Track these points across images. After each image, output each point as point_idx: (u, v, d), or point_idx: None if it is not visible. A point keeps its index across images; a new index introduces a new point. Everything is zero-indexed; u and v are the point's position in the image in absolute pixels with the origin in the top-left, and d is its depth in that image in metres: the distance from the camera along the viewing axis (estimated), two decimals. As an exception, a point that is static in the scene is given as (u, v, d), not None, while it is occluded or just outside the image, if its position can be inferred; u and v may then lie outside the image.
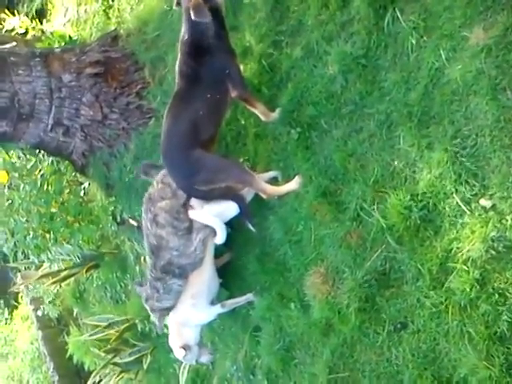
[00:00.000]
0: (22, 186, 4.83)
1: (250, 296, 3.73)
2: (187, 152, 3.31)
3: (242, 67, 3.69)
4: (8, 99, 4.47)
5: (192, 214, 3.48)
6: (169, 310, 3.69)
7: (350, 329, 3.08)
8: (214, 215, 3.46)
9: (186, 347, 3.69)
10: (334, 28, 3.34)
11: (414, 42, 2.93)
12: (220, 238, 3.52)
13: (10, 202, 4.85)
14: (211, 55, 3.29)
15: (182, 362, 4.33)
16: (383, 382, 2.96)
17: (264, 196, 3.44)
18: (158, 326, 3.80)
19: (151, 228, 3.53)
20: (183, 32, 3.31)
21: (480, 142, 2.60)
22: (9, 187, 4.94)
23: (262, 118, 3.54)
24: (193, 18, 3.16)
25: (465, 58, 2.69)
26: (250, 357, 3.84)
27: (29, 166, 4.88)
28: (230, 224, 3.61)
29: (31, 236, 4.79)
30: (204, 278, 3.63)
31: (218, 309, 3.74)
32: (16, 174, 4.88)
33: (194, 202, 3.48)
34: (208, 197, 3.42)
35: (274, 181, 3.53)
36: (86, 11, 6.15)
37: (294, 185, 3.38)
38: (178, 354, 3.75)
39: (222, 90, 3.36)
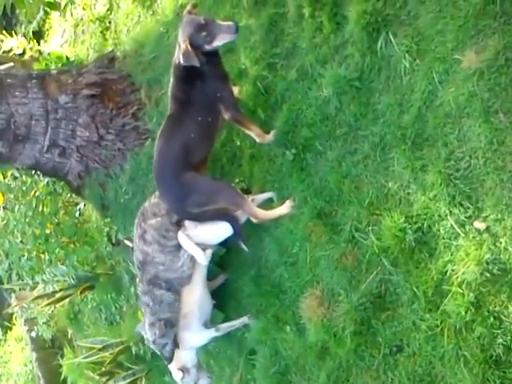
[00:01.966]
0: (17, 207, 4.82)
1: (245, 319, 3.70)
2: (179, 175, 3.33)
3: (237, 89, 3.72)
4: (4, 121, 4.49)
5: (180, 237, 3.47)
6: (169, 323, 3.60)
7: (345, 352, 3.06)
8: (207, 236, 3.45)
9: (183, 369, 3.66)
10: (328, 51, 3.37)
11: (407, 64, 2.96)
12: (201, 261, 3.49)
13: (5, 223, 4.84)
14: (203, 79, 3.32)
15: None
16: (379, 406, 2.93)
17: (254, 220, 3.44)
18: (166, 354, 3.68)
19: (138, 243, 3.55)
20: (176, 56, 3.34)
21: (473, 164, 2.61)
22: (4, 208, 4.93)
23: (257, 139, 3.55)
24: (182, 62, 3.20)
25: (457, 80, 2.72)
26: (246, 380, 3.80)
27: (24, 188, 4.87)
28: (225, 245, 3.60)
29: (26, 257, 4.77)
30: (195, 298, 3.60)
31: (212, 332, 3.71)
32: (11, 195, 4.88)
33: (187, 222, 3.48)
34: (200, 218, 3.42)
35: (269, 201, 3.54)
36: (83, 32, 6.21)
37: (284, 209, 3.39)
38: (176, 376, 3.71)
39: (213, 113, 3.39)
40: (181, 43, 3.19)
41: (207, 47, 3.22)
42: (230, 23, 3.21)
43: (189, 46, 3.14)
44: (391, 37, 3.04)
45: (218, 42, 3.21)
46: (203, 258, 3.46)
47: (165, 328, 3.55)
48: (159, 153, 3.43)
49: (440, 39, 2.83)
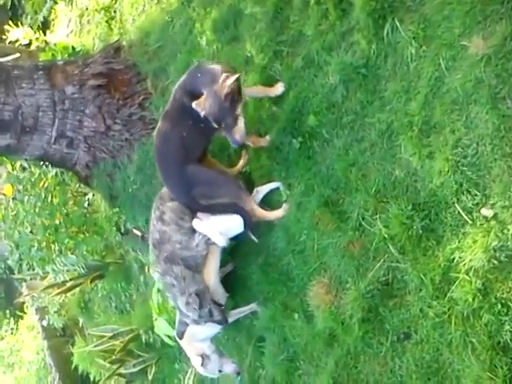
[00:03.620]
0: (26, 198, 4.86)
1: (253, 305, 3.73)
2: (182, 168, 3.42)
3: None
4: (12, 112, 4.50)
5: (195, 224, 3.52)
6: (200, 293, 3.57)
7: (353, 339, 3.07)
8: (219, 231, 3.49)
9: (203, 356, 3.66)
10: (334, 38, 3.35)
11: (413, 51, 2.93)
12: (219, 243, 3.54)
13: (15, 214, 4.88)
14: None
15: (186, 373, 4.33)
16: (387, 393, 2.95)
17: (253, 218, 3.49)
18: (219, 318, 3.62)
19: (156, 224, 3.59)
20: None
21: (481, 151, 2.60)
22: (13, 199, 4.97)
23: (252, 145, 3.62)
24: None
25: (464, 67, 2.69)
26: (255, 367, 3.84)
27: (33, 179, 4.90)
28: (235, 239, 3.62)
29: (36, 248, 4.82)
30: (208, 284, 3.62)
31: None
32: (20, 187, 4.91)
33: (199, 213, 3.53)
34: (211, 210, 3.48)
35: (276, 191, 3.54)
36: (88, 22, 6.20)
37: (281, 212, 3.47)
38: (196, 363, 3.71)
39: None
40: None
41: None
42: None
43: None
44: (397, 23, 3.01)
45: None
46: (221, 239, 3.49)
47: (198, 298, 3.52)
48: (158, 149, 3.54)
49: (447, 25, 2.80)
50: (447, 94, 2.75)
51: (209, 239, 3.53)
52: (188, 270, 3.56)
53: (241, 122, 3.23)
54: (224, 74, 3.10)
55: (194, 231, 3.55)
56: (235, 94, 3.15)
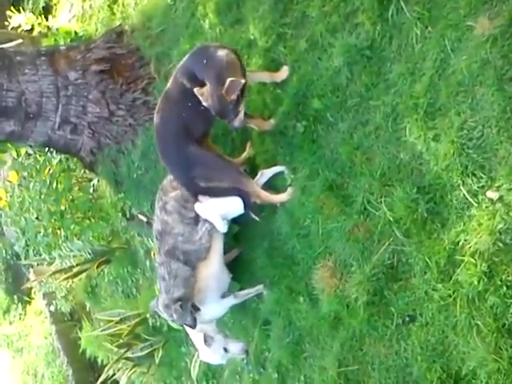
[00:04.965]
0: (31, 184, 4.87)
1: (260, 287, 3.75)
2: (182, 148, 3.43)
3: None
4: (15, 99, 4.49)
5: (197, 206, 3.53)
6: (183, 300, 3.59)
7: (358, 322, 3.09)
8: (219, 213, 3.48)
9: (207, 338, 3.66)
10: (338, 19, 3.31)
11: (418, 32, 2.90)
12: (220, 229, 3.55)
13: (21, 200, 4.90)
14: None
15: (193, 356, 4.37)
16: (392, 375, 2.97)
17: (258, 201, 3.49)
18: (189, 323, 3.62)
19: (160, 214, 3.60)
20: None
21: (486, 134, 2.58)
22: (19, 186, 4.99)
23: (257, 129, 3.61)
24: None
25: (470, 48, 2.66)
26: (261, 350, 3.86)
27: (38, 166, 4.91)
28: (237, 219, 3.62)
29: (42, 234, 4.84)
30: (212, 271, 3.62)
31: (230, 300, 3.75)
32: (25, 174, 4.92)
33: (200, 196, 3.52)
34: (210, 193, 3.48)
35: (280, 175, 3.54)
36: (90, 6, 6.15)
37: (285, 196, 3.47)
38: (198, 343, 3.71)
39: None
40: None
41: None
42: None
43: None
44: (402, 4, 2.98)
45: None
46: (222, 225, 3.49)
47: (181, 310, 3.54)
48: (159, 129, 3.55)
49: (452, 5, 2.76)
50: (453, 75, 2.72)
51: (212, 229, 3.53)
52: (186, 267, 3.55)
53: (241, 114, 3.27)
54: (230, 79, 3.08)
55: (196, 222, 3.53)
56: (240, 97, 3.17)
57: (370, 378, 3.09)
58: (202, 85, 3.23)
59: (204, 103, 3.21)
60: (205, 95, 3.19)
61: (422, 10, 2.88)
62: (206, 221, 3.53)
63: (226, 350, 3.69)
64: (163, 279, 3.61)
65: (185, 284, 3.57)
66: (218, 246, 3.63)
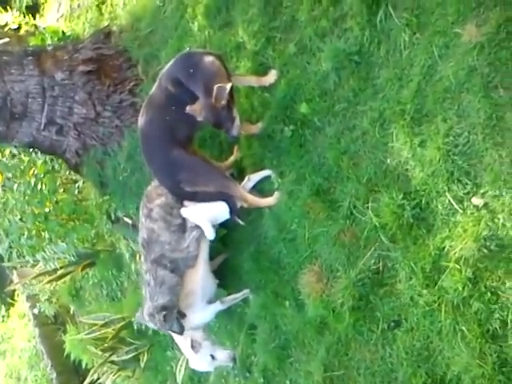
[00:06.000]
0: (15, 185, 4.81)
1: (247, 292, 3.73)
2: (166, 152, 3.42)
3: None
4: (0, 99, 4.44)
5: (183, 211, 3.50)
6: (168, 308, 3.56)
7: (344, 327, 3.08)
8: (207, 217, 3.47)
9: (195, 344, 3.62)
10: (327, 24, 3.31)
11: (406, 38, 2.91)
12: (208, 235, 3.52)
13: (4, 202, 4.84)
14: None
15: (179, 360, 4.34)
16: (378, 380, 2.97)
17: (245, 204, 3.49)
18: (176, 331, 3.60)
19: (145, 222, 3.56)
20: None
21: (472, 140, 2.59)
22: (2, 187, 4.92)
23: (244, 130, 3.58)
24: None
25: (457, 54, 2.67)
26: (246, 354, 3.85)
27: (22, 166, 4.85)
28: (224, 223, 3.60)
29: (26, 236, 4.79)
30: (198, 278, 3.61)
31: (217, 306, 3.72)
32: (10, 175, 4.86)
33: (186, 202, 3.50)
34: (196, 198, 3.46)
35: (267, 179, 3.53)
36: (78, 6, 6.11)
37: (272, 200, 3.46)
38: (185, 349, 3.68)
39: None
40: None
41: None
42: None
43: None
44: (391, 10, 2.99)
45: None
46: (210, 231, 3.48)
47: (164, 321, 3.51)
48: (143, 134, 3.54)
49: (440, 12, 2.78)
50: (440, 82, 2.73)
51: (199, 236, 3.50)
52: (172, 275, 3.52)
53: (237, 120, 3.28)
54: (216, 86, 3.09)
55: (183, 229, 3.51)
56: (230, 101, 3.18)
57: (355, 382, 3.09)
58: (187, 90, 3.27)
59: (199, 119, 3.24)
60: (197, 111, 3.23)
61: (411, 17, 2.89)
62: (193, 228, 3.51)
63: (213, 357, 3.65)
64: (148, 285, 3.58)
65: (170, 291, 3.54)
66: (204, 253, 3.61)
